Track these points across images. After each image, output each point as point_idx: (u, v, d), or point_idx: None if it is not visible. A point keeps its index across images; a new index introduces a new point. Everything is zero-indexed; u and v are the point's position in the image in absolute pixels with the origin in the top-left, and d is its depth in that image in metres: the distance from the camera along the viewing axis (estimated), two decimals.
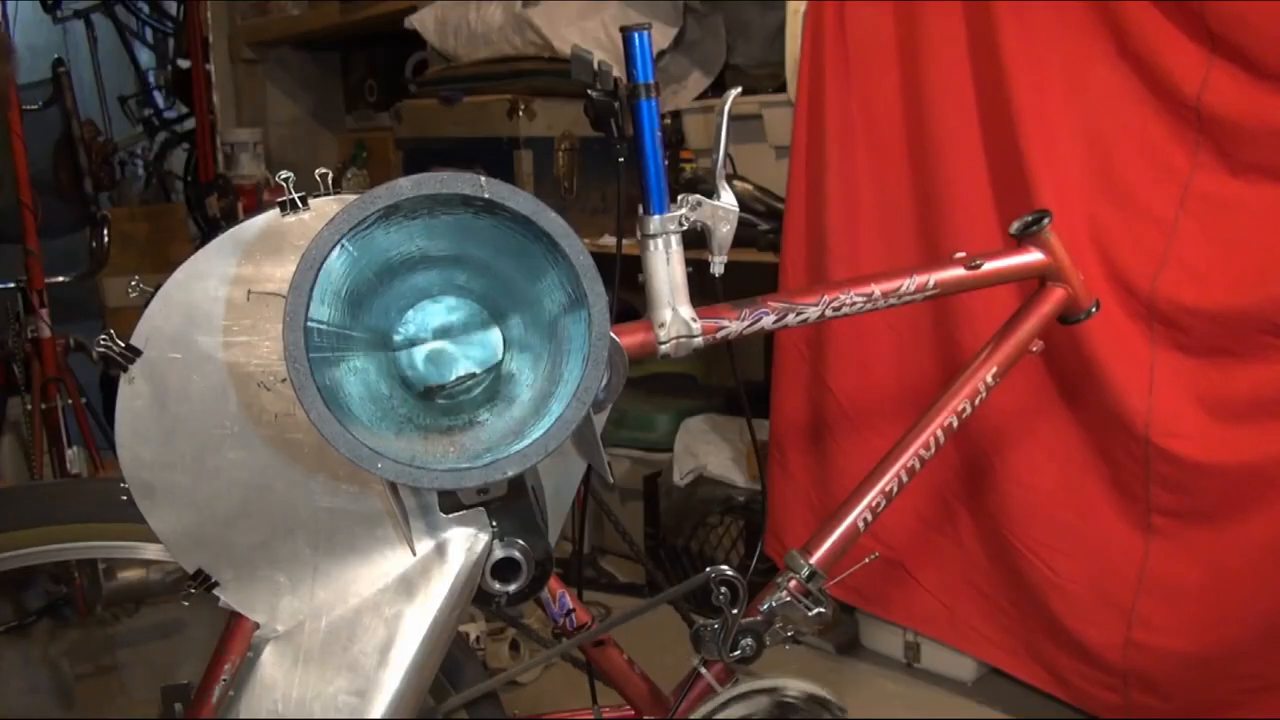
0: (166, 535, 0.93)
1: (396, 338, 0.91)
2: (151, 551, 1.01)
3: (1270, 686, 1.50)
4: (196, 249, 0.90)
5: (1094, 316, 1.28)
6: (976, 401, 1.19)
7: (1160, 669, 1.58)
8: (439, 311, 0.93)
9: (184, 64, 3.62)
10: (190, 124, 3.67)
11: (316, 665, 0.93)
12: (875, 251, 1.81)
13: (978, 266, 1.16)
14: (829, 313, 1.09)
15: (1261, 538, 1.47)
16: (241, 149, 3.28)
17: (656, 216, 1.01)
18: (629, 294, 1.18)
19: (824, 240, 1.85)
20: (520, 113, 2.38)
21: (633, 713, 1.18)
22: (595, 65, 1.00)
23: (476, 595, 0.97)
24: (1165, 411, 1.53)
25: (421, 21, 2.69)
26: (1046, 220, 1.20)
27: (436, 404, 0.91)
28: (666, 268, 1.02)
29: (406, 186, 0.75)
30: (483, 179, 0.76)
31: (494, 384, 0.92)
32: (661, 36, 2.35)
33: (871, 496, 1.16)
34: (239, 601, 0.96)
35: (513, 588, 0.97)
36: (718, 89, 2.41)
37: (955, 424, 1.18)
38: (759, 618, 1.11)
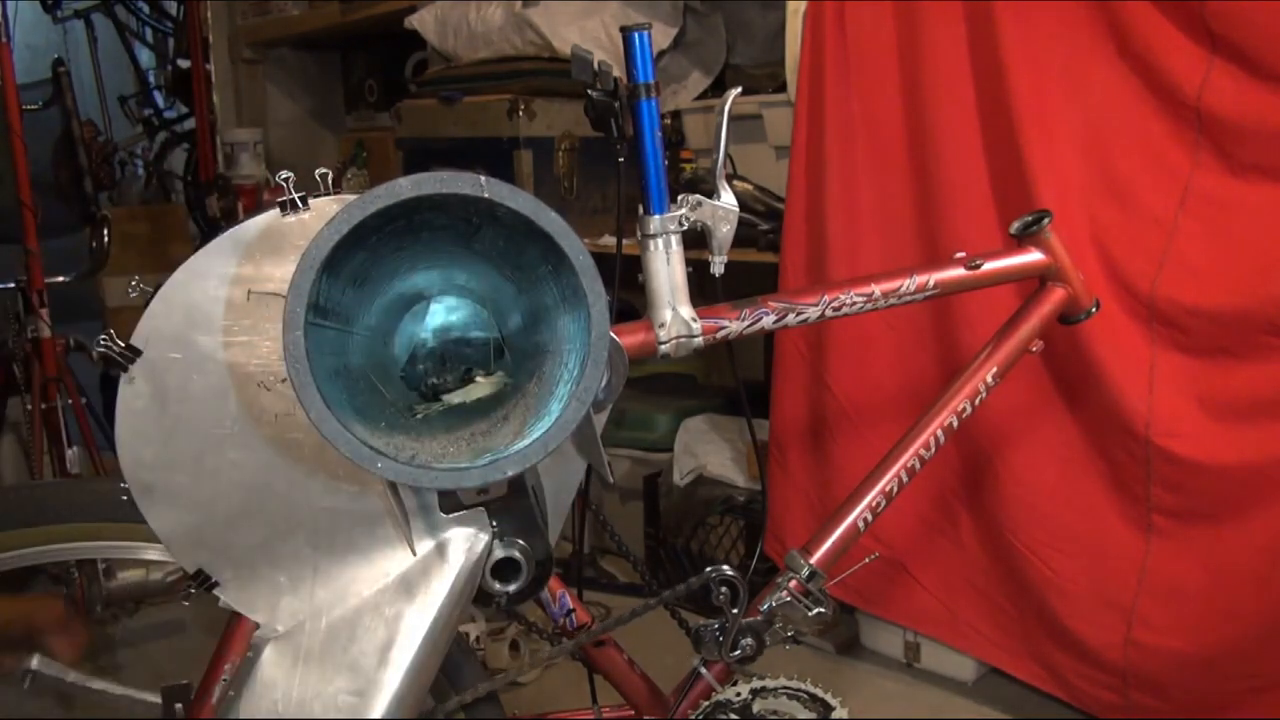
0: (166, 535, 0.93)
1: (396, 337, 0.92)
2: (151, 551, 1.01)
3: (1270, 686, 1.49)
4: (196, 249, 0.90)
5: (1094, 316, 1.28)
6: (976, 401, 1.19)
7: (1160, 669, 1.58)
8: (439, 311, 0.93)
9: (184, 64, 3.63)
10: (190, 124, 3.67)
11: (316, 665, 0.93)
12: (875, 251, 1.81)
13: (978, 266, 1.16)
14: (829, 313, 1.09)
15: (1262, 538, 1.47)
16: (241, 149, 3.27)
17: (656, 216, 1.01)
18: (629, 294, 1.18)
19: (824, 240, 1.85)
20: (520, 113, 2.38)
21: (633, 713, 1.18)
22: (595, 65, 1.00)
23: (477, 595, 0.97)
24: (1165, 411, 1.53)
25: (421, 21, 2.69)
26: (1046, 220, 1.20)
27: (436, 403, 0.91)
28: (666, 268, 1.02)
29: (406, 186, 0.75)
30: (483, 179, 0.76)
31: (493, 383, 0.92)
32: (661, 36, 2.35)
33: (871, 496, 1.16)
34: (239, 601, 0.96)
35: (513, 588, 0.97)
36: (718, 89, 2.41)
37: (955, 424, 1.18)
38: (759, 618, 1.11)
